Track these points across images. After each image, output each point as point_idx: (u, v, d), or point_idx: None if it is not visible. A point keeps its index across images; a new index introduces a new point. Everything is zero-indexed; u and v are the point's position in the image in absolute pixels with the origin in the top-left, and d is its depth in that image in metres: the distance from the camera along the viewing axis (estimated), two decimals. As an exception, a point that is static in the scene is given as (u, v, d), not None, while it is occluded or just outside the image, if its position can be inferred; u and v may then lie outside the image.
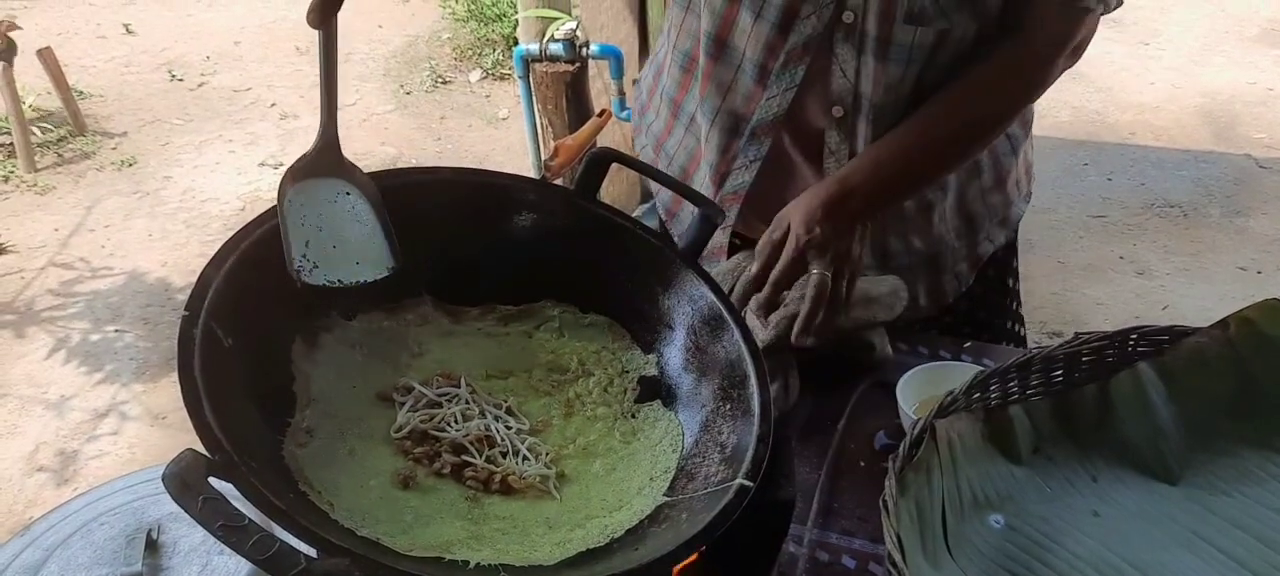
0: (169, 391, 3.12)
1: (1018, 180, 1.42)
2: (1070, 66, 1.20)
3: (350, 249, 0.92)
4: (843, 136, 1.25)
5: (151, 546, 1.09)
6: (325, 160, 0.91)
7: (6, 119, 4.40)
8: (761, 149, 1.29)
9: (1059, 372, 1.00)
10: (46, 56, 4.55)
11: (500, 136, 4.75)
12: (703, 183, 1.37)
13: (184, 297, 3.73)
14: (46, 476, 2.85)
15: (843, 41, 1.19)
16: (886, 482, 0.82)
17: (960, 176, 1.34)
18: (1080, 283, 3.43)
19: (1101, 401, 0.99)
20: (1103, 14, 1.16)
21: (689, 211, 1.39)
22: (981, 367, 1.13)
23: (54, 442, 2.97)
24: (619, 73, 2.95)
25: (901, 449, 0.86)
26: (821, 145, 1.27)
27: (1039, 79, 1.19)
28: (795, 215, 1.16)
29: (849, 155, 1.26)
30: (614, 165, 1.08)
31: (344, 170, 0.93)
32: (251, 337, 0.87)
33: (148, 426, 3.00)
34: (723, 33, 1.26)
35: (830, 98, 1.22)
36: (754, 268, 1.17)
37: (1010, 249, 1.48)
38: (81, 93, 4.96)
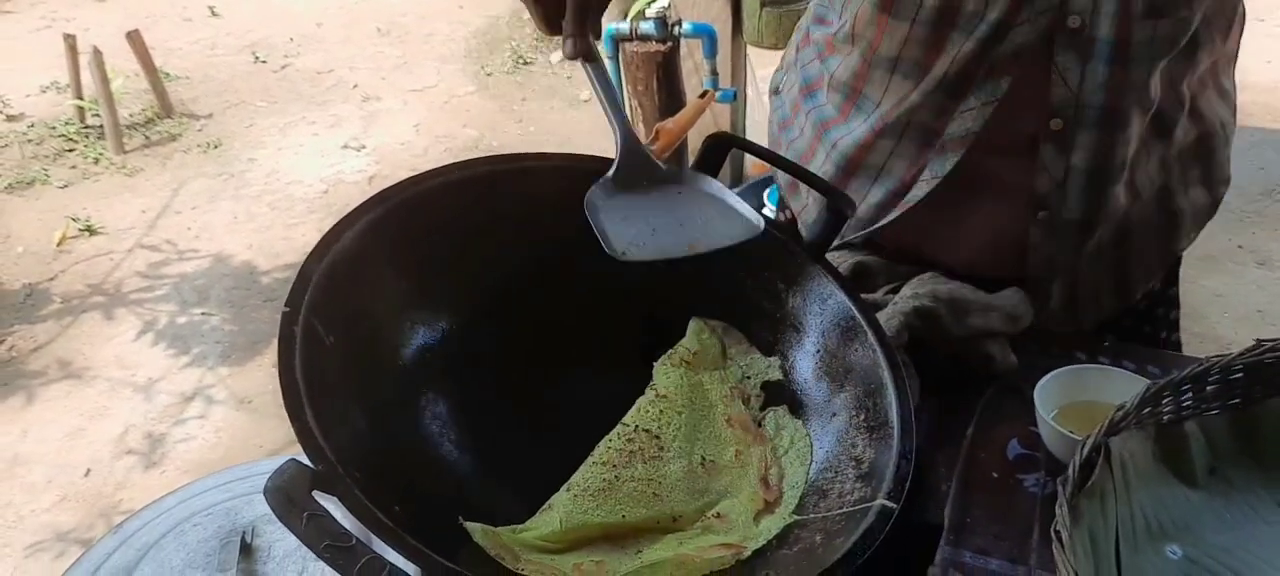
0: (254, 376, 3.12)
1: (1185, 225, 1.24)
2: None
3: (690, 228, 0.83)
4: (1058, 149, 1.09)
5: (246, 550, 1.04)
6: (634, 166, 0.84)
7: (97, 101, 4.47)
8: (944, 165, 1.13)
9: (1238, 383, 0.89)
10: (134, 39, 4.60)
11: (581, 118, 4.68)
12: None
13: (268, 281, 3.74)
14: (135, 459, 2.87)
15: (1065, 48, 1.03)
16: (1057, 510, 0.72)
17: (1113, 223, 1.17)
18: (1197, 274, 3.23)
19: (1287, 417, 0.88)
20: None
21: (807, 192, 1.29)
22: (1123, 370, 1.03)
23: (142, 425, 2.99)
24: (712, 51, 2.86)
25: (1071, 471, 0.76)
26: (1031, 162, 1.11)
27: None
28: None
29: (1064, 172, 1.10)
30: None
31: (653, 170, 0.85)
32: (354, 335, 0.81)
33: (234, 410, 3.00)
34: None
35: (1048, 109, 1.06)
36: None
37: (1167, 284, 1.32)
38: (168, 75, 5.02)
